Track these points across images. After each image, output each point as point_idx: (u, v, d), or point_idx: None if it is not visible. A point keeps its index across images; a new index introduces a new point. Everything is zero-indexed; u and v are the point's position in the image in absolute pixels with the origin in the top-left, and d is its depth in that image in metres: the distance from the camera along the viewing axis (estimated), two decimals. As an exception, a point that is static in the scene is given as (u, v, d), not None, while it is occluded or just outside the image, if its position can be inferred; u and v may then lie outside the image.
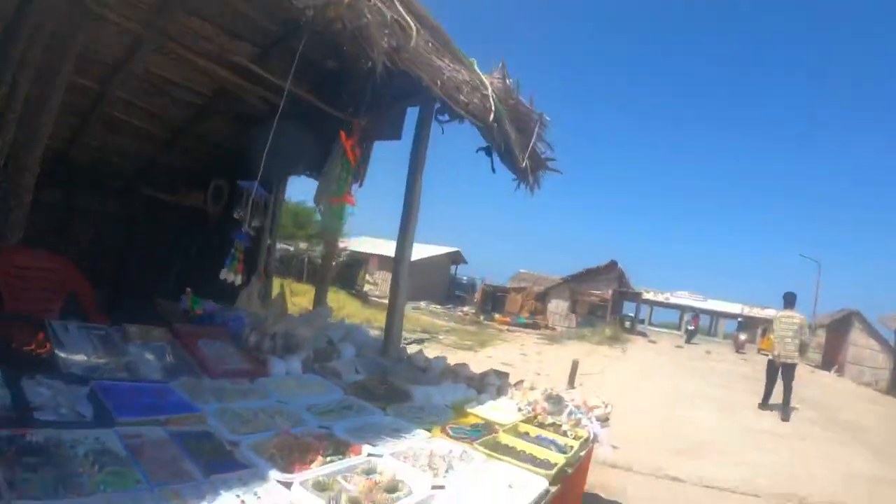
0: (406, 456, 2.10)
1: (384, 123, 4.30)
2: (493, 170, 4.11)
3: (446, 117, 3.81)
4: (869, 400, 15.32)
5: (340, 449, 2.02)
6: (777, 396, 9.46)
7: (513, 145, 3.87)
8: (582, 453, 2.79)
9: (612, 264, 29.59)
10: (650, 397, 9.47)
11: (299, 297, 14.18)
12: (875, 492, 5.74)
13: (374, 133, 4.32)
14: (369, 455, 2.01)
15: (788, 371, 9.41)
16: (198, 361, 2.77)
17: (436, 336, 13.86)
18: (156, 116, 5.07)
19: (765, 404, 9.71)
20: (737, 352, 25.94)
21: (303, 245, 24.09)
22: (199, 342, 2.98)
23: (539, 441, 2.67)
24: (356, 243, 35.02)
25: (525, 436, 2.72)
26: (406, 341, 11.73)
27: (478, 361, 10.37)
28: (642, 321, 47.69)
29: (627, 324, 31.79)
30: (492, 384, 3.60)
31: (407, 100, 4.11)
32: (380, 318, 14.32)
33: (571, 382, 9.04)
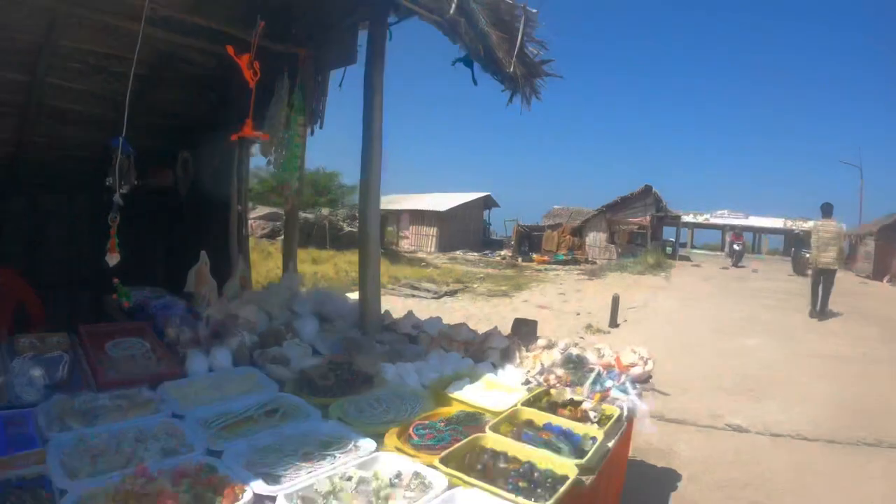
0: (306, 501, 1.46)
1: (333, 48, 3.55)
2: (475, 81, 3.31)
3: (395, 19, 3.03)
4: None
5: (207, 495, 1.39)
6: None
7: (494, 47, 3.06)
8: (611, 443, 2.02)
9: (647, 189, 28.39)
10: (699, 328, 8.84)
11: (323, 265, 13.72)
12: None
13: (326, 61, 3.59)
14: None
15: (829, 277, 10.05)
16: (91, 370, 2.25)
17: (469, 285, 13.27)
18: (100, 97, 4.45)
19: (814, 311, 10.22)
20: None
21: (324, 211, 23.53)
22: (107, 344, 2.39)
23: (545, 436, 1.91)
24: (383, 200, 34.59)
25: (526, 428, 1.98)
26: (435, 294, 11.25)
27: (513, 308, 9.83)
28: (684, 244, 46.55)
29: (669, 249, 30.81)
30: (494, 348, 2.90)
31: (355, 14, 3.34)
32: (407, 274, 13.82)
33: (614, 321, 8.39)
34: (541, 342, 3.10)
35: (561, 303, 11.03)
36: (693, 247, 48.11)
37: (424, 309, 8.76)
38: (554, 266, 23.97)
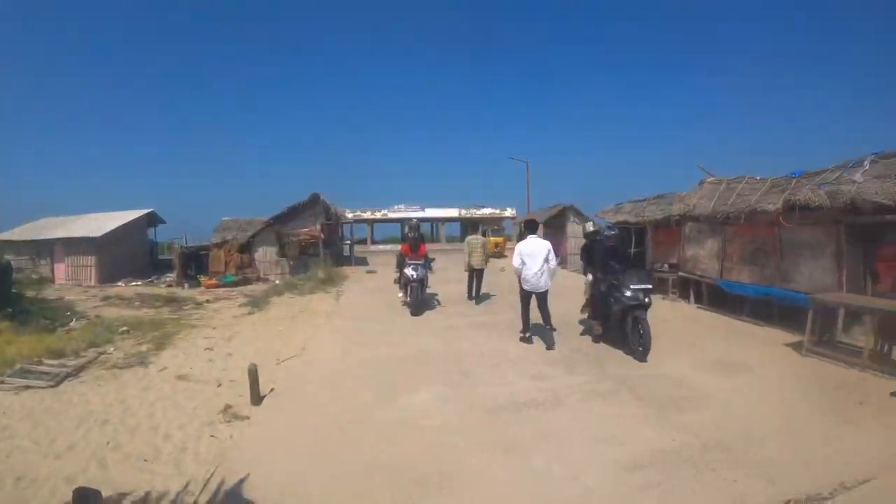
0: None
1: None
2: None
3: None
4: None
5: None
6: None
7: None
8: None
9: (315, 197, 27.93)
10: (362, 387, 7.72)
11: None
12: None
13: None
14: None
15: (480, 274, 15.38)
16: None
17: (105, 351, 10.95)
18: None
19: (471, 296, 15.46)
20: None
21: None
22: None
23: None
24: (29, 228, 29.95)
25: None
26: (55, 379, 8.38)
27: (144, 387, 8.28)
28: (364, 241, 48.08)
29: (346, 253, 31.17)
30: None
31: None
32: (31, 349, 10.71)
33: (256, 396, 7.39)
34: None
35: (206, 363, 9.42)
36: (374, 241, 50.01)
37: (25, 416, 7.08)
38: (223, 289, 22.52)
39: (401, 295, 15.02)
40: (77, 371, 9.32)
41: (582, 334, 10.75)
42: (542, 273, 9.73)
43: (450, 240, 53.55)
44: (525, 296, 10.11)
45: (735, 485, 4.80)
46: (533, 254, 9.75)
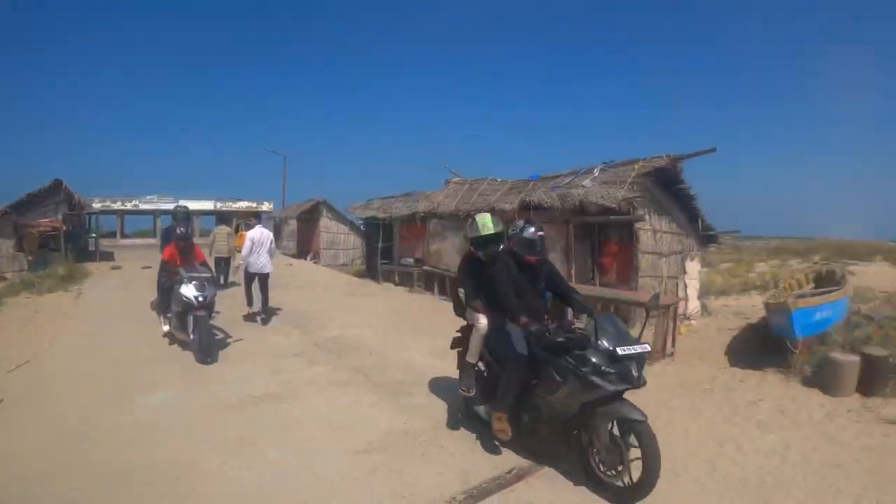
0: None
1: None
2: None
3: None
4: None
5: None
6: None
7: None
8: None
9: (57, 184, 25.52)
10: (85, 393, 7.29)
11: None
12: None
13: None
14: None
15: (227, 263, 15.42)
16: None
17: None
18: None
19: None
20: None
21: None
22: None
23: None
24: None
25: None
26: None
27: None
28: (113, 234, 44.53)
29: (93, 240, 28.91)
30: None
31: None
32: None
33: None
34: None
35: None
36: (125, 235, 46.69)
37: None
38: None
39: (166, 327, 10.08)
40: None
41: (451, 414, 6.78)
42: (265, 257, 11.29)
43: (203, 234, 51.41)
44: (250, 277, 11.56)
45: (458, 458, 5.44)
46: (260, 240, 11.21)
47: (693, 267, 14.26)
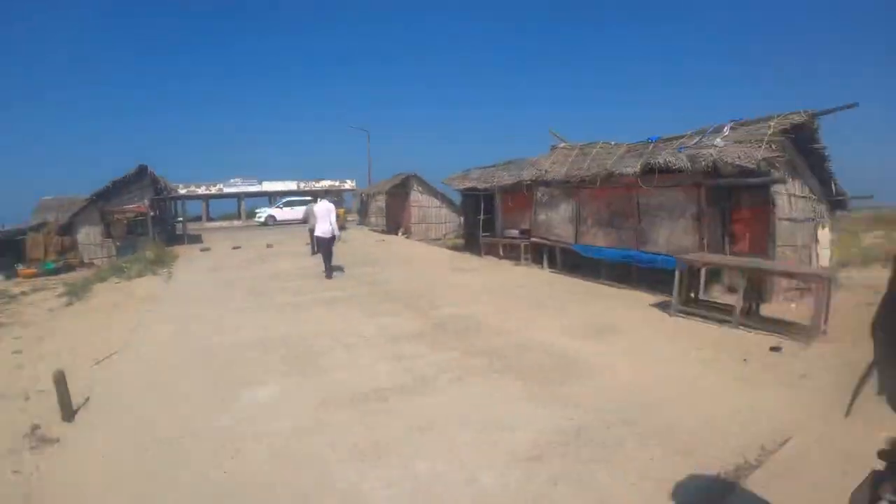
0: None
1: None
2: None
3: None
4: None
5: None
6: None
7: None
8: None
9: (142, 170, 25.13)
10: (190, 380, 6.52)
11: None
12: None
13: None
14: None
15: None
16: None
17: None
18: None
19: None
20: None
21: None
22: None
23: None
24: None
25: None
26: None
27: None
28: (199, 219, 44.98)
29: (179, 231, 28.80)
30: None
31: None
32: None
33: (68, 411, 5.91)
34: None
35: (11, 371, 7.70)
36: (210, 219, 47.26)
37: None
38: (41, 279, 19.72)
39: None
40: None
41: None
42: (327, 224, 13.57)
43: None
44: (316, 239, 14.70)
45: (653, 464, 4.25)
46: (324, 210, 13.72)
47: (824, 235, 12.64)
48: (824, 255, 12.43)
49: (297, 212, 36.69)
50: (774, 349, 7.05)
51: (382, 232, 30.26)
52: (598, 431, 4.85)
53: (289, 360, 7.17)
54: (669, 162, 11.02)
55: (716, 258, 9.42)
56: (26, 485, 4.65)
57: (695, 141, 11.48)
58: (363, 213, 38.73)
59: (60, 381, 5.80)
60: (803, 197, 11.79)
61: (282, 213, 39.10)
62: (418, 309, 9.89)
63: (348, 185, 51.05)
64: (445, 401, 5.68)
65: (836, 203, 13.54)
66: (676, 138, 12.22)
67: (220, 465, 4.46)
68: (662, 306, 9.47)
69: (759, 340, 7.51)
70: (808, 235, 11.88)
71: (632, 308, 9.69)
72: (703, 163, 10.39)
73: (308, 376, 6.56)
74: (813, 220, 12.18)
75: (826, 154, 11.92)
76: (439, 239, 28.36)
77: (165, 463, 4.54)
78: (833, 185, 12.95)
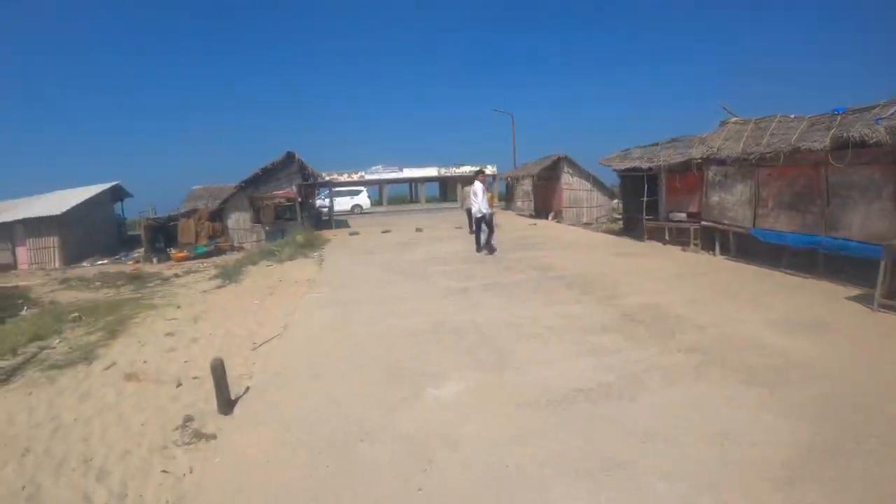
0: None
1: None
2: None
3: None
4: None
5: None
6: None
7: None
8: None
9: (290, 157, 25.80)
10: (362, 371, 5.89)
11: None
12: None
13: None
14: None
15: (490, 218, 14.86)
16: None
17: (48, 345, 8.82)
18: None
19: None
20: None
21: None
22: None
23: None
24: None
25: None
26: None
27: (82, 396, 6.46)
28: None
29: (325, 218, 29.45)
30: None
31: None
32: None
33: (224, 404, 5.61)
34: None
35: (164, 353, 7.63)
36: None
37: None
38: (194, 261, 20.79)
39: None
40: (8, 375, 7.52)
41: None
42: (478, 203, 14.38)
43: (429, 200, 52.17)
44: (471, 217, 15.86)
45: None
46: (475, 191, 14.56)
47: None
48: None
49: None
50: None
51: (530, 216, 29.39)
52: (846, 446, 3.90)
53: (470, 352, 6.39)
54: (865, 135, 9.35)
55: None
56: (177, 488, 4.25)
57: (890, 111, 9.68)
58: (509, 197, 38.09)
59: (219, 369, 5.38)
60: None
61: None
62: (598, 297, 8.93)
63: (489, 170, 50.69)
64: (661, 404, 4.75)
65: None
66: (868, 109, 10.42)
67: (410, 478, 3.73)
68: (861, 299, 8.09)
69: None
70: None
71: (830, 301, 8.33)
72: (908, 135, 8.70)
73: (495, 371, 5.75)
74: None
75: None
76: (591, 223, 27.14)
77: (341, 473, 3.88)
78: None
